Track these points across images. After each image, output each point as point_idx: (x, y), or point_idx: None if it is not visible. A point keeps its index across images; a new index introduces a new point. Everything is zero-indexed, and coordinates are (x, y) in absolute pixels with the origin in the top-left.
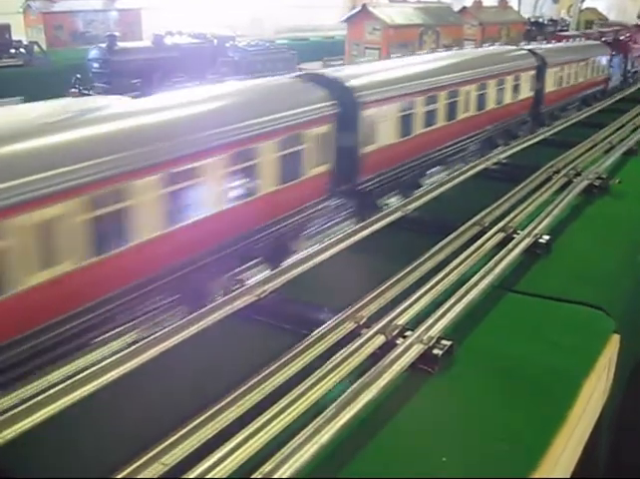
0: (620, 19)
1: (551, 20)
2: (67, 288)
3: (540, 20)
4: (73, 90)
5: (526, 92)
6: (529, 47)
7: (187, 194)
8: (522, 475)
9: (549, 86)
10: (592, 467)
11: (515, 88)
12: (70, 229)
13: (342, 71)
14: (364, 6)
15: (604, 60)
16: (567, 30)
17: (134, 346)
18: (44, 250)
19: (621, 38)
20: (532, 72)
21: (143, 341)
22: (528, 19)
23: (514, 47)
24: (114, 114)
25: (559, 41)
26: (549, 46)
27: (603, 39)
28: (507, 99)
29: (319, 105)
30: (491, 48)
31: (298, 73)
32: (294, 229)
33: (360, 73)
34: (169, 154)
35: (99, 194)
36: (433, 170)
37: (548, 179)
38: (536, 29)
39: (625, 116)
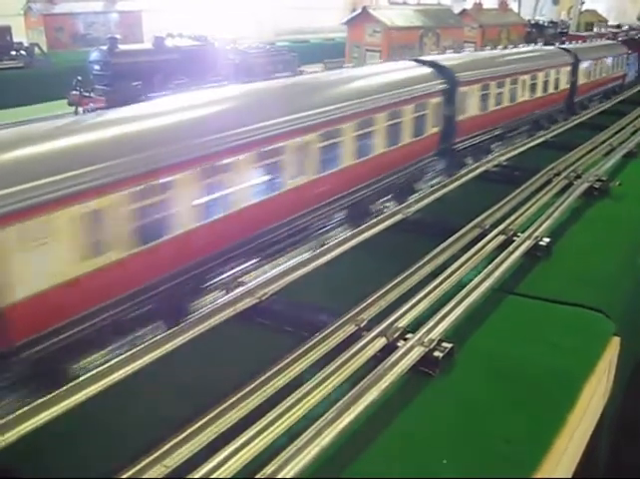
0: (620, 21)
1: (551, 22)
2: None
3: (541, 22)
4: (74, 92)
5: (564, 84)
6: (563, 46)
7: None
8: (524, 475)
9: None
10: (593, 469)
11: (556, 80)
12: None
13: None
14: (364, 8)
15: (622, 57)
16: (567, 32)
17: (135, 349)
18: None
19: (637, 37)
20: (569, 67)
21: (144, 344)
22: (528, 21)
23: (552, 46)
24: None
25: (571, 41)
26: (580, 45)
27: (619, 39)
28: (551, 89)
29: (435, 82)
30: (536, 47)
31: (416, 58)
32: (422, 169)
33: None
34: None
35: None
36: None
37: (549, 181)
38: (536, 31)
39: (625, 118)
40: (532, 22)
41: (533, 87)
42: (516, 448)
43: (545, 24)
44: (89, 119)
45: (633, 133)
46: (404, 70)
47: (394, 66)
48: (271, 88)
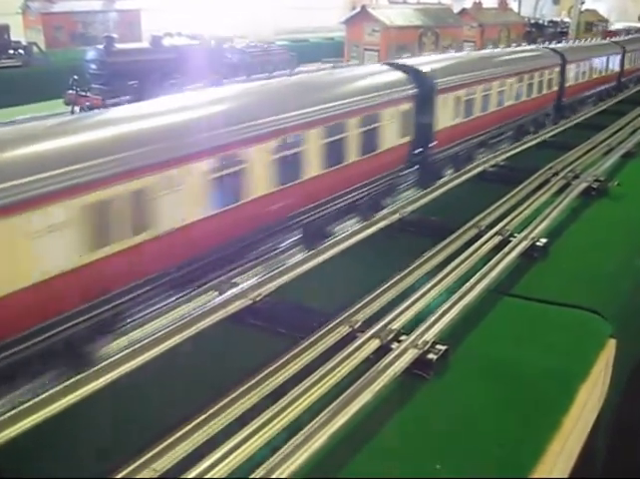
0: (621, 21)
1: (551, 21)
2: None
3: (540, 21)
4: (70, 91)
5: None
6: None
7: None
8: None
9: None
10: (590, 472)
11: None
12: None
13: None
14: (363, 7)
15: (616, 57)
16: (567, 31)
17: (126, 350)
18: None
19: None
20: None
21: (136, 345)
22: (528, 20)
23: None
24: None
25: (605, 37)
26: (568, 45)
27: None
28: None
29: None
30: (523, 47)
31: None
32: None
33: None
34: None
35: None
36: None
37: (546, 181)
38: (536, 30)
39: (624, 118)
40: (532, 22)
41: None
42: (510, 451)
43: (545, 24)
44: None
45: (632, 133)
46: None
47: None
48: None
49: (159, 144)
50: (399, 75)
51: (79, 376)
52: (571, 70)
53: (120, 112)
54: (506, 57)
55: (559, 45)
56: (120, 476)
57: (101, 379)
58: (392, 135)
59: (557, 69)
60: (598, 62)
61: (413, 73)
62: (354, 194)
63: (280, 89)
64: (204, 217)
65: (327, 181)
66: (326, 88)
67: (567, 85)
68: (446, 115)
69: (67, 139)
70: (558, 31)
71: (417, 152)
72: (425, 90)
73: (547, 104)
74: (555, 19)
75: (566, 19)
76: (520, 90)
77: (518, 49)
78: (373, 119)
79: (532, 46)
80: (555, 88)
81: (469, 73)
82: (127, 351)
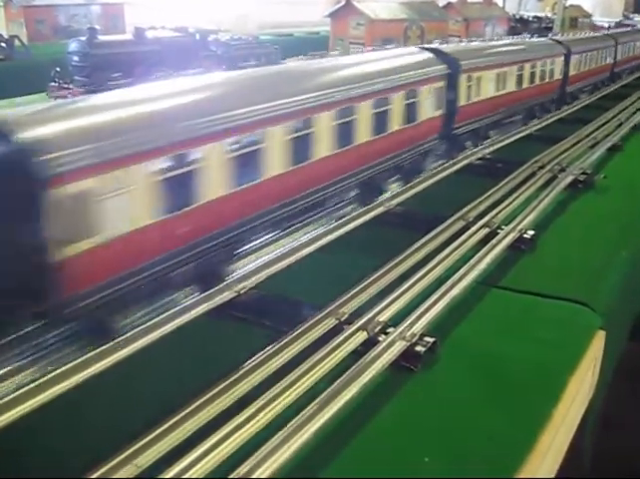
0: (606, 16)
1: (536, 17)
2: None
3: (525, 17)
4: (52, 84)
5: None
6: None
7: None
8: (508, 474)
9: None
10: (578, 465)
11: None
12: None
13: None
14: (348, 1)
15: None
16: (552, 27)
17: (106, 345)
18: None
19: None
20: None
21: (115, 341)
22: (513, 15)
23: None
24: None
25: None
26: (571, 37)
27: None
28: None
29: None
30: (533, 39)
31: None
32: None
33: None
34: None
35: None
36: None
37: (533, 174)
38: (521, 25)
39: (609, 112)
40: (517, 17)
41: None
42: (500, 445)
43: (530, 19)
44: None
45: (617, 126)
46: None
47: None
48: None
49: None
50: (431, 56)
51: (54, 373)
52: (574, 60)
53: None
54: (520, 46)
55: (563, 37)
56: (101, 472)
57: (79, 374)
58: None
59: (562, 58)
60: (596, 53)
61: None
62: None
63: (338, 66)
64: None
65: (375, 146)
66: (373, 66)
67: (571, 74)
68: (470, 92)
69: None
70: (543, 26)
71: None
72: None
73: (554, 90)
74: (540, 15)
75: (550, 15)
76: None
77: (533, 40)
78: (413, 94)
79: (541, 38)
80: (560, 76)
81: (490, 57)
82: (105, 346)
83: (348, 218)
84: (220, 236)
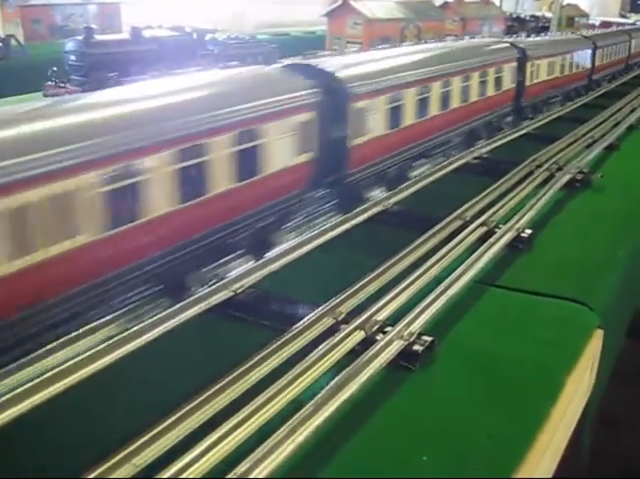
0: (602, 16)
1: (533, 16)
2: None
3: (522, 16)
4: (49, 83)
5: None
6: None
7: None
8: (506, 473)
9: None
10: (576, 463)
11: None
12: None
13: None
14: (345, 0)
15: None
16: (549, 26)
17: (104, 344)
18: None
19: None
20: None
21: (114, 338)
22: (510, 15)
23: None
24: None
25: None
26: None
27: None
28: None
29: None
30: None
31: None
32: None
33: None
34: None
35: None
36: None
37: (530, 173)
38: (518, 25)
39: (607, 111)
40: (514, 16)
41: (571, 65)
42: (498, 443)
43: (527, 18)
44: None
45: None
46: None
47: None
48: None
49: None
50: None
51: (52, 372)
52: (599, 53)
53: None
54: (564, 41)
55: (589, 33)
56: (99, 471)
57: (77, 374)
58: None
59: (590, 51)
60: (616, 47)
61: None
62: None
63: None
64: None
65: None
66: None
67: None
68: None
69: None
70: (540, 26)
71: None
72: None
73: (584, 77)
74: (537, 14)
75: (547, 14)
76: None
77: (571, 36)
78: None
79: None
80: (589, 66)
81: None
82: (103, 345)
83: (345, 217)
84: None
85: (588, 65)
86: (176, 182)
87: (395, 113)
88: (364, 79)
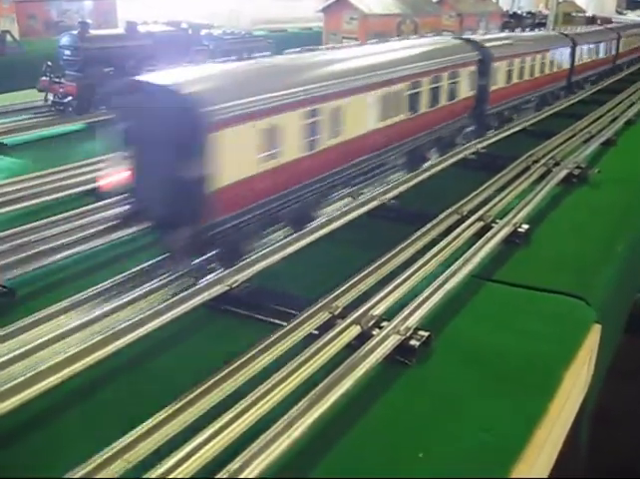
0: (599, 12)
1: (529, 12)
2: None
3: (519, 12)
4: (43, 78)
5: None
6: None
7: None
8: (504, 469)
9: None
10: (575, 457)
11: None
12: None
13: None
14: None
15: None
16: (545, 23)
17: (99, 337)
18: None
19: None
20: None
21: (108, 332)
22: (507, 11)
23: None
24: None
25: None
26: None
27: None
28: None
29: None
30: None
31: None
32: None
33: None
34: None
35: None
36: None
37: (527, 168)
38: (515, 21)
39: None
40: (511, 12)
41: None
42: (496, 439)
43: (524, 14)
44: None
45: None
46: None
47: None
48: None
49: None
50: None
51: (46, 364)
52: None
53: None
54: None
55: (614, 25)
56: (91, 466)
57: (71, 367)
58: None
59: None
60: (633, 38)
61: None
62: None
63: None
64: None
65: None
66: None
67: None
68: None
69: None
70: (536, 22)
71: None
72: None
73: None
74: (533, 10)
75: (544, 11)
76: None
77: (599, 27)
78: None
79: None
80: (614, 53)
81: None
82: (97, 339)
83: (341, 211)
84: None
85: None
86: (410, 100)
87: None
88: (499, 48)
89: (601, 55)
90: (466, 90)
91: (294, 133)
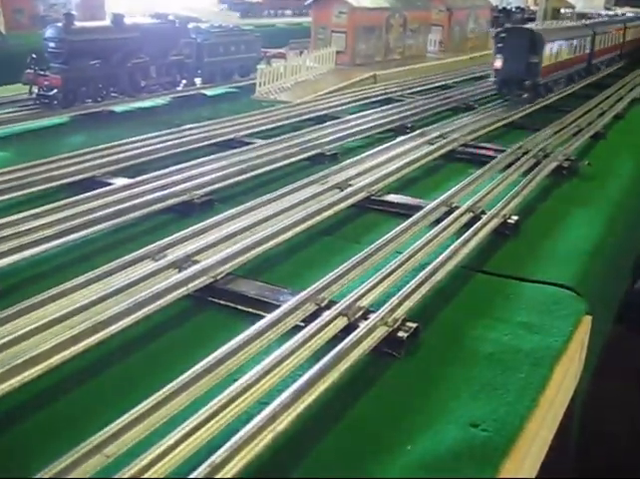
0: (587, 8)
1: (519, 8)
2: None
3: (508, 8)
4: (28, 71)
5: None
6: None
7: None
8: (493, 462)
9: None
10: (565, 449)
11: None
12: None
13: None
14: None
15: None
16: (534, 18)
17: (82, 328)
18: None
19: None
20: None
21: (88, 324)
22: (496, 6)
23: None
24: None
25: None
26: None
27: None
28: None
29: None
30: None
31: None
32: None
33: None
34: None
35: None
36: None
37: (516, 160)
38: (504, 16)
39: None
40: (500, 7)
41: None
42: (485, 432)
43: (513, 10)
44: None
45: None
46: None
47: None
48: None
49: None
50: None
51: (27, 356)
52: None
53: None
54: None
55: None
56: (69, 461)
57: (51, 359)
58: None
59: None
60: (573, 43)
61: None
62: None
63: None
64: None
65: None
66: None
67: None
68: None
69: None
70: (525, 17)
71: None
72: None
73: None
74: (522, 6)
75: (533, 7)
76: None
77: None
78: None
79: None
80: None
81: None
82: (79, 330)
83: (329, 202)
84: None
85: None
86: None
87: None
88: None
89: (575, 54)
90: (588, 49)
91: (565, 48)
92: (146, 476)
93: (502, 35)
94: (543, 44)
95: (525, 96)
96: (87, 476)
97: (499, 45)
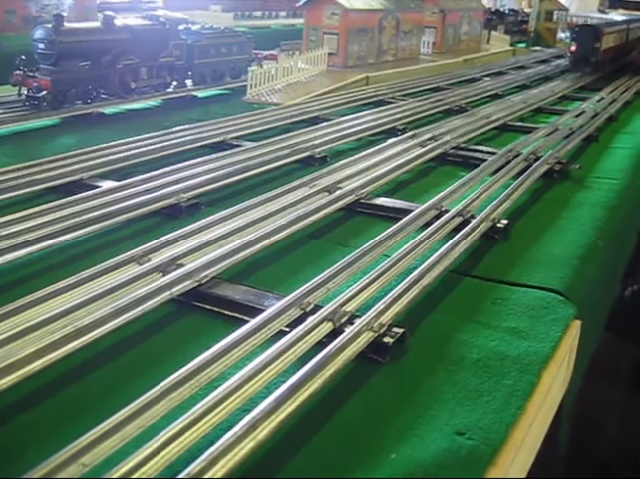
0: (582, 11)
1: (512, 10)
2: None
3: (502, 10)
4: (17, 72)
5: None
6: None
7: None
8: (479, 470)
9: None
10: (553, 457)
11: None
12: None
13: None
14: None
15: None
16: (528, 21)
17: (56, 336)
18: None
19: None
20: None
21: (69, 328)
22: (489, 9)
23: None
24: None
25: None
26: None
27: None
28: None
29: None
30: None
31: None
32: None
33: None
34: None
35: None
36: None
37: (507, 162)
38: (498, 18)
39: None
40: (494, 10)
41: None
42: (471, 440)
43: (506, 12)
44: None
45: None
46: None
47: None
48: None
49: None
50: None
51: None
52: None
53: None
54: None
55: None
56: (45, 471)
57: (29, 366)
58: None
59: None
60: None
61: None
62: None
63: None
64: None
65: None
66: None
67: None
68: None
69: None
70: (519, 19)
71: None
72: None
73: None
74: (516, 8)
75: (527, 9)
76: None
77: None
78: None
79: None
80: None
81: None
82: (58, 336)
83: (316, 206)
84: None
85: None
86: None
87: None
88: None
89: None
90: (624, 39)
91: (615, 36)
92: None
93: (577, 29)
94: (603, 35)
95: (589, 69)
96: None
97: (574, 35)
